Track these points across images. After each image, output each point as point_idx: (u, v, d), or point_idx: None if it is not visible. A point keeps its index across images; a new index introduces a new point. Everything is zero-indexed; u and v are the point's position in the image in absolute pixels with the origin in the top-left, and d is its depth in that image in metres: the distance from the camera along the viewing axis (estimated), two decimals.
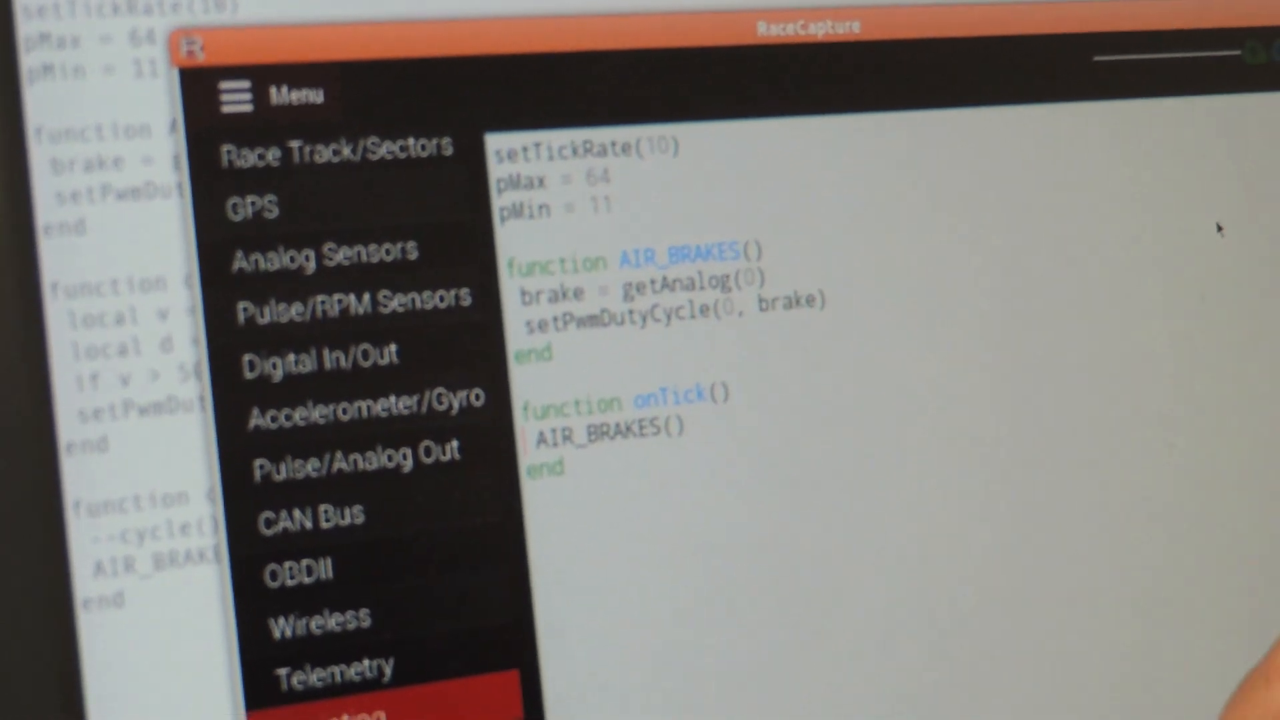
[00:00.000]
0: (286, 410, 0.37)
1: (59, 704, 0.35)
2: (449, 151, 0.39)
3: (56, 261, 0.36)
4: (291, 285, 0.37)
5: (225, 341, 0.37)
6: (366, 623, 0.37)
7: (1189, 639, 0.44)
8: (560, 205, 0.39)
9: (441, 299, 0.38)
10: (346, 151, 0.38)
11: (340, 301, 0.38)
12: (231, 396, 0.37)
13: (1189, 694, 0.44)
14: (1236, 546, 0.45)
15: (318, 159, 0.38)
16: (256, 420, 0.37)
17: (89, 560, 0.36)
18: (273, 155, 0.37)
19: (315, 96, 0.38)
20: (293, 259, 0.37)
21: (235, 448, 0.37)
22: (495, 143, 0.39)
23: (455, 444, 0.38)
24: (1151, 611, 0.44)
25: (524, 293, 0.39)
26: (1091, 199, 0.44)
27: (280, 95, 0.37)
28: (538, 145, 0.39)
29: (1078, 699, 0.43)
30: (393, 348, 0.38)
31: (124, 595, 0.36)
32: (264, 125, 0.37)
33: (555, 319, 0.39)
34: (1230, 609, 0.45)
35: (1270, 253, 0.46)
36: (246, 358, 0.37)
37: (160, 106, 0.37)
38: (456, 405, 0.38)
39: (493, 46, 0.39)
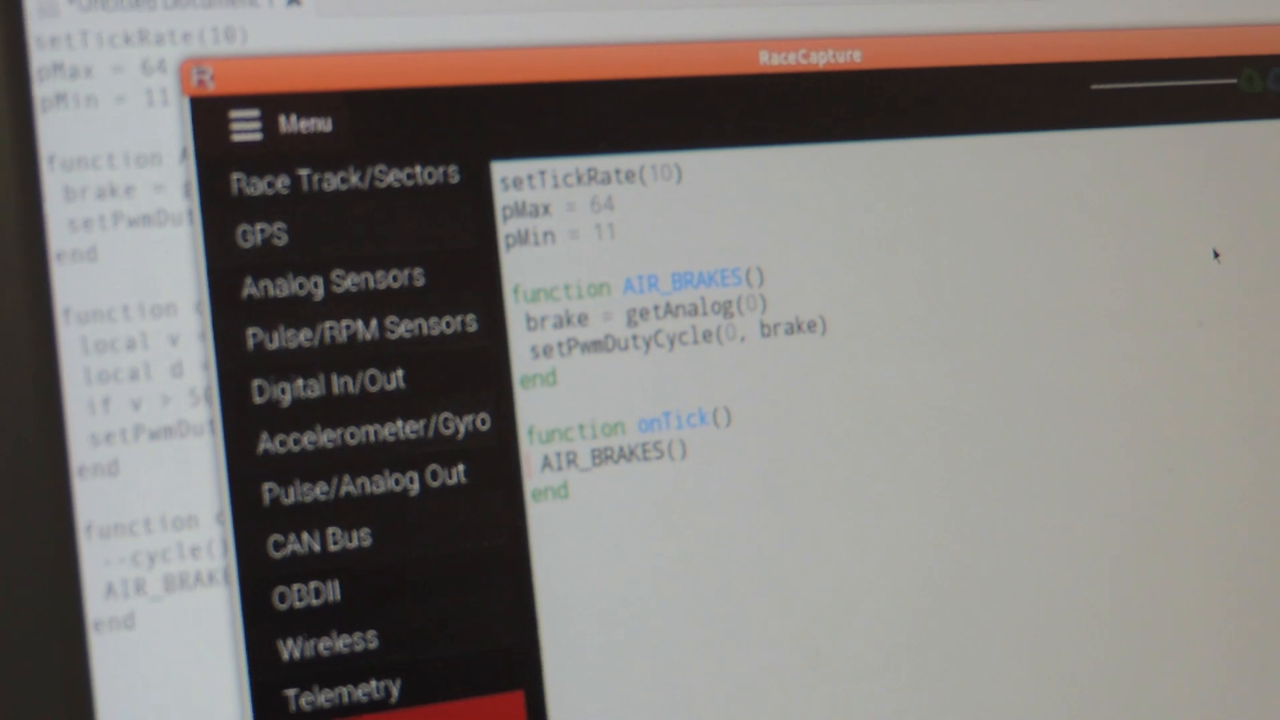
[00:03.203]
0: (295, 434, 0.37)
1: None
2: (455, 179, 0.39)
3: (69, 287, 0.36)
4: (300, 311, 0.38)
5: (235, 366, 0.37)
6: (374, 644, 0.38)
7: (1187, 661, 0.45)
8: (565, 232, 0.40)
9: (448, 325, 0.39)
10: (354, 179, 0.38)
11: (348, 327, 0.38)
12: (241, 421, 0.37)
13: (1189, 716, 0.45)
14: (1234, 567, 0.45)
15: (326, 187, 0.38)
16: (266, 444, 0.37)
17: (100, 582, 0.36)
18: (282, 183, 0.38)
19: (324, 125, 0.38)
20: (301, 285, 0.38)
21: (244, 471, 0.37)
22: (501, 170, 0.39)
23: (461, 468, 0.39)
24: (1149, 633, 0.44)
25: (529, 318, 0.39)
26: (1090, 225, 0.44)
27: (289, 124, 0.38)
28: (543, 173, 0.40)
29: (1082, 717, 0.44)
30: (400, 373, 0.38)
31: (135, 617, 0.36)
32: (273, 153, 0.38)
33: (560, 344, 0.40)
34: (1229, 630, 0.45)
35: (1267, 278, 0.46)
36: (256, 383, 0.37)
37: (171, 135, 0.37)
38: (462, 429, 0.39)
39: (498, 76, 0.39)
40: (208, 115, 0.37)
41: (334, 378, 0.38)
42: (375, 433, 0.38)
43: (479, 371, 0.39)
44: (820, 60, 0.42)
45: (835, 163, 0.42)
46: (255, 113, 0.38)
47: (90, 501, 0.36)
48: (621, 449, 0.40)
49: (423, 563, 0.38)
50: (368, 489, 0.38)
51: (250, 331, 0.37)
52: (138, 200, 0.37)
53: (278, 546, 0.37)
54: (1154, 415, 0.45)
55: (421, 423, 0.38)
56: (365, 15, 0.39)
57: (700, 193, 0.41)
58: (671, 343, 0.40)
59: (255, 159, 0.38)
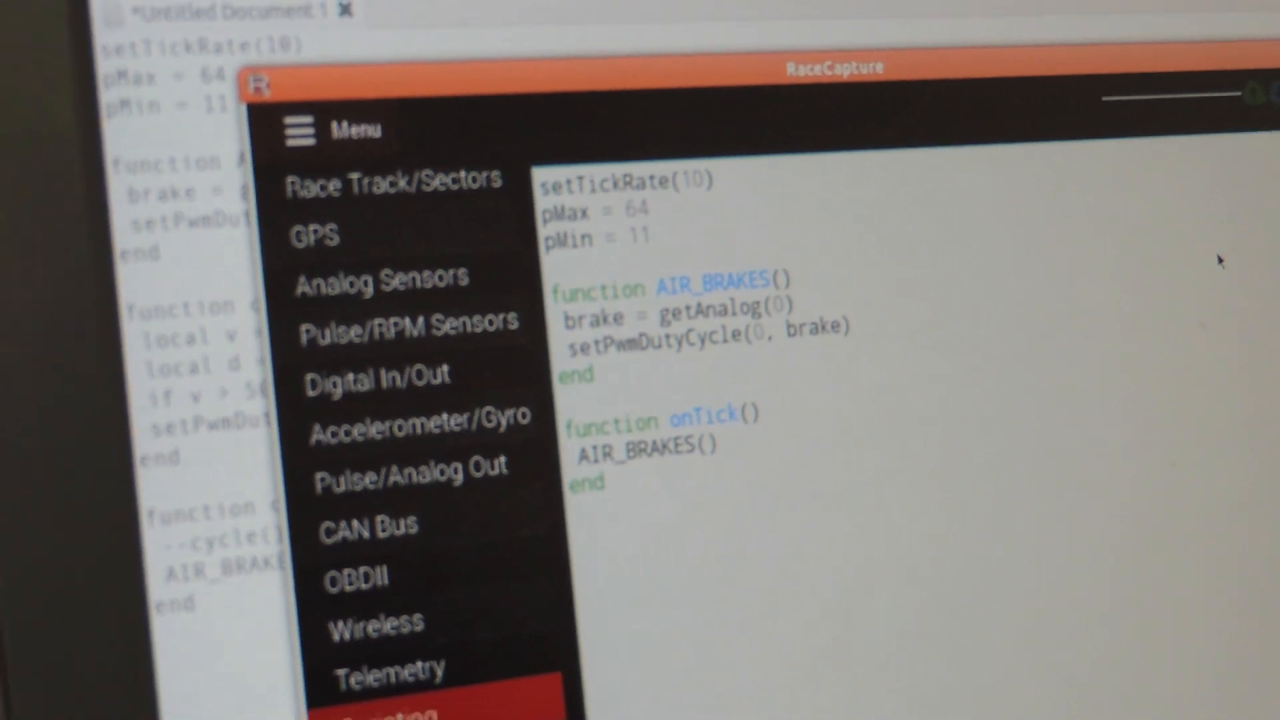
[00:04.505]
0: (346, 426, 0.39)
1: (134, 699, 0.37)
2: (498, 184, 0.40)
3: (132, 285, 0.38)
4: (351, 309, 0.39)
5: (289, 361, 0.39)
6: (420, 627, 0.39)
7: (1189, 659, 0.46)
8: (602, 235, 0.41)
9: (490, 323, 0.40)
10: (403, 183, 0.40)
11: (396, 324, 0.39)
12: (295, 413, 0.39)
13: (1190, 712, 0.46)
14: (1235, 568, 0.46)
15: (376, 190, 0.40)
16: (318, 436, 0.39)
17: (161, 566, 0.38)
18: (334, 186, 0.39)
19: (374, 131, 0.40)
20: (352, 284, 0.39)
21: (298, 461, 0.38)
22: (541, 175, 0.41)
23: (503, 459, 0.40)
24: (1152, 632, 0.45)
25: (567, 317, 0.41)
26: (1099, 231, 0.46)
27: (341, 130, 0.39)
28: (581, 178, 0.41)
29: (1085, 713, 0.45)
30: (445, 368, 0.40)
31: (194, 599, 0.38)
32: (326, 158, 0.39)
33: (596, 342, 0.41)
34: (1230, 629, 0.46)
35: (1268, 283, 0.47)
36: (309, 377, 0.39)
37: (229, 140, 0.39)
38: (504, 423, 0.40)
39: (539, 85, 0.41)
40: (264, 121, 0.39)
41: (383, 372, 0.39)
42: (421, 425, 0.39)
43: (520, 368, 0.40)
44: (845, 72, 0.43)
45: (858, 170, 0.43)
46: (309, 119, 0.39)
47: (152, 489, 0.38)
48: (654, 443, 0.41)
49: (466, 550, 0.39)
50: (414, 479, 0.39)
51: (304, 328, 0.39)
52: (197, 202, 0.38)
53: (329, 533, 0.39)
54: (1160, 416, 0.46)
55: (465, 416, 0.40)
56: (413, 27, 0.40)
57: (730, 198, 0.42)
58: (702, 341, 0.42)
59: (309, 163, 0.39)
